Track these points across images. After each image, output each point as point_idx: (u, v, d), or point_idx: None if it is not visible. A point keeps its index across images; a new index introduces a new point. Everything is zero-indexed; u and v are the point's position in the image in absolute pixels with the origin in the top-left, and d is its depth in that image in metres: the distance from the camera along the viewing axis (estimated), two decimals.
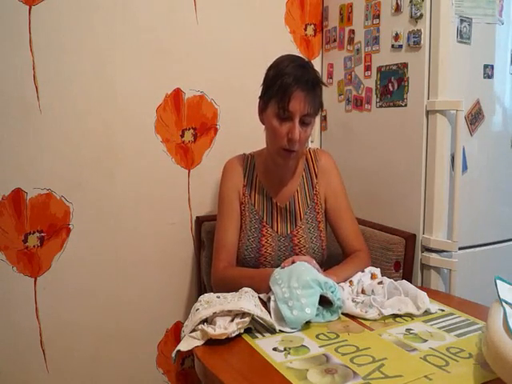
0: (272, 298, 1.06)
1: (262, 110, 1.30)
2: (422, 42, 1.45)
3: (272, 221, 1.37)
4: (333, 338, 0.97)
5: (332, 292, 1.05)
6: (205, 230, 1.68)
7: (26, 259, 1.49)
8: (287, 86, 1.20)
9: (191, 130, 1.72)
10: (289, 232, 1.36)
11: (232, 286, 1.10)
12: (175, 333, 1.76)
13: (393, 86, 1.57)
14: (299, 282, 1.04)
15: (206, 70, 1.72)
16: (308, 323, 1.03)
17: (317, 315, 1.05)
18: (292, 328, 1.00)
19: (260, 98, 1.31)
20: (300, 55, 1.35)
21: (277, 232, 1.36)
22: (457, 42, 1.43)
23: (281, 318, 1.02)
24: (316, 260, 1.34)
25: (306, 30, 1.93)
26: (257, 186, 1.38)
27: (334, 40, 1.87)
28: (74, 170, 1.54)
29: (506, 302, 0.86)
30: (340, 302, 1.06)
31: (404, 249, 1.48)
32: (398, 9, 1.52)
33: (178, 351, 0.94)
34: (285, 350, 0.92)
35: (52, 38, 1.47)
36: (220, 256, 1.33)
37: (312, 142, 1.95)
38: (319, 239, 1.36)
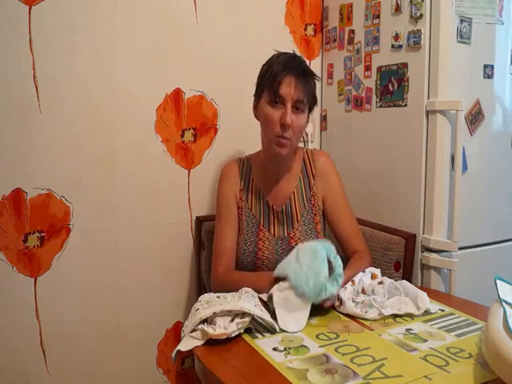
0: (275, 296, 1.06)
1: (256, 104, 1.33)
2: (422, 42, 1.45)
3: (269, 224, 1.37)
4: (333, 337, 0.97)
5: (334, 257, 1.06)
6: (205, 230, 1.68)
7: (26, 259, 1.49)
8: (277, 72, 1.24)
9: (191, 130, 1.72)
10: (286, 234, 1.35)
11: (232, 290, 1.10)
12: (175, 333, 1.76)
13: (393, 85, 1.57)
14: (305, 251, 1.05)
15: (205, 69, 1.72)
16: (308, 322, 1.03)
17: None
18: (313, 299, 1.01)
19: (254, 95, 1.33)
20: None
21: (274, 235, 1.36)
22: (457, 42, 1.43)
23: (283, 318, 1.02)
24: None
25: (305, 30, 1.93)
26: (253, 189, 1.39)
27: (334, 40, 1.87)
28: (74, 170, 1.54)
29: (506, 302, 0.86)
30: (341, 270, 1.06)
31: (404, 249, 1.47)
32: (398, 9, 1.52)
33: (178, 351, 0.94)
34: (285, 349, 0.92)
35: (52, 38, 1.47)
36: (219, 261, 1.35)
37: (312, 142, 1.95)
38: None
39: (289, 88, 1.23)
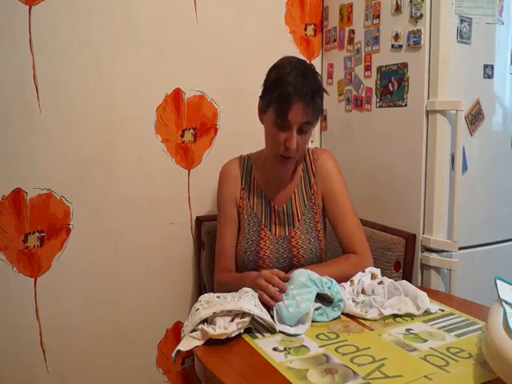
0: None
1: (262, 111, 1.30)
2: (422, 41, 1.45)
3: (270, 223, 1.37)
4: (333, 338, 0.97)
5: (329, 288, 1.06)
6: (205, 230, 1.68)
7: (26, 259, 1.50)
8: (286, 96, 1.18)
9: (191, 130, 1.72)
10: (287, 234, 1.35)
11: (225, 291, 1.12)
12: (175, 333, 1.76)
13: (393, 86, 1.57)
14: (295, 283, 1.07)
15: (205, 69, 1.72)
16: (311, 323, 1.03)
17: (320, 315, 1.06)
18: (289, 324, 1.01)
19: (260, 97, 1.31)
20: (302, 58, 1.33)
21: (275, 235, 1.36)
22: (457, 42, 1.43)
23: (280, 319, 1.02)
24: (314, 260, 1.34)
25: (305, 30, 1.93)
26: (255, 188, 1.39)
27: (334, 40, 1.87)
28: (74, 169, 1.54)
29: (506, 302, 0.86)
30: (340, 296, 1.07)
31: (404, 249, 1.48)
32: (398, 9, 1.52)
33: (178, 351, 0.94)
34: (285, 349, 0.92)
35: (52, 38, 1.47)
36: (218, 263, 1.39)
37: (312, 141, 1.95)
38: (317, 239, 1.35)
39: (296, 115, 1.19)
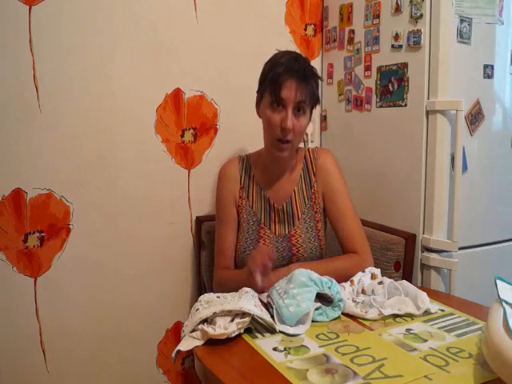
0: (270, 302, 1.07)
1: (258, 102, 1.33)
2: (422, 41, 1.45)
3: (269, 222, 1.37)
4: (333, 337, 0.97)
5: (329, 288, 1.06)
6: (205, 230, 1.68)
7: (26, 259, 1.49)
8: (279, 75, 1.23)
9: (191, 130, 1.72)
10: (287, 232, 1.35)
11: (227, 288, 1.13)
12: (175, 333, 1.76)
13: (393, 86, 1.57)
14: (295, 282, 1.07)
15: (205, 69, 1.72)
16: (311, 323, 1.03)
17: (320, 314, 1.06)
18: (289, 324, 1.01)
19: (257, 92, 1.33)
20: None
21: (275, 233, 1.36)
22: (457, 42, 1.43)
23: (280, 319, 1.02)
24: (314, 259, 1.34)
25: (305, 30, 1.93)
26: (254, 187, 1.39)
27: (334, 40, 1.87)
28: (74, 169, 1.54)
29: (506, 302, 0.86)
30: (340, 296, 1.07)
31: (404, 249, 1.48)
32: (398, 9, 1.52)
33: (178, 351, 0.94)
34: (285, 349, 0.92)
35: (52, 38, 1.47)
36: (218, 262, 1.39)
37: (312, 141, 1.95)
38: (317, 238, 1.36)
39: (289, 91, 1.22)
